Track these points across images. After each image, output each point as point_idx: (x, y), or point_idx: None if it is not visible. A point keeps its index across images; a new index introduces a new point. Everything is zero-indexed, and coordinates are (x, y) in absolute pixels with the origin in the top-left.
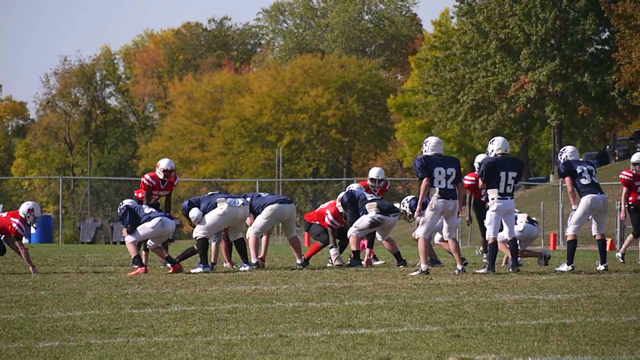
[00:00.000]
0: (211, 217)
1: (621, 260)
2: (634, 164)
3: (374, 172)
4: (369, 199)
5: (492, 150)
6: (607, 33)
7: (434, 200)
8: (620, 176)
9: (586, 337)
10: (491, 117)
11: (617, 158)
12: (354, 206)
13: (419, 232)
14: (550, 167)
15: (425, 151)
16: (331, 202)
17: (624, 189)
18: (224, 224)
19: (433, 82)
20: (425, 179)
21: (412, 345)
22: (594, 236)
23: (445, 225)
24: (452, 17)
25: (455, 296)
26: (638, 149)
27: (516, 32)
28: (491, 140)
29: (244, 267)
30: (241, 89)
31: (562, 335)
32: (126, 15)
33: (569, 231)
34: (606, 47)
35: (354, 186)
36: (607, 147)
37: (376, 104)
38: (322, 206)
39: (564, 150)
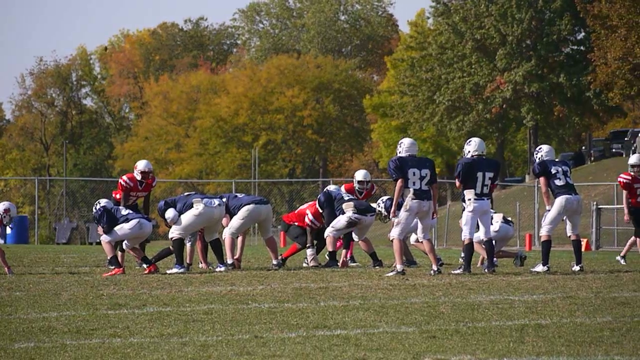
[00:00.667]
0: (187, 217)
1: (622, 262)
2: (632, 165)
3: (360, 175)
4: (346, 198)
5: (469, 152)
6: (583, 33)
7: (409, 201)
8: (619, 179)
9: (562, 337)
10: (467, 117)
11: (592, 159)
12: (331, 206)
13: (394, 233)
14: (526, 167)
15: (400, 152)
16: (311, 202)
17: (625, 192)
18: (200, 224)
19: (409, 83)
20: (399, 180)
21: (387, 346)
22: (569, 237)
23: (420, 226)
24: (428, 18)
25: (431, 297)
26: (614, 150)
27: (492, 33)
28: (468, 141)
29: (220, 267)
30: (217, 89)
31: (537, 336)
32: (102, 16)
33: (543, 232)
34: (582, 48)
35: (331, 187)
36: (583, 147)
37: (352, 105)
38: (301, 207)
39: (540, 149)
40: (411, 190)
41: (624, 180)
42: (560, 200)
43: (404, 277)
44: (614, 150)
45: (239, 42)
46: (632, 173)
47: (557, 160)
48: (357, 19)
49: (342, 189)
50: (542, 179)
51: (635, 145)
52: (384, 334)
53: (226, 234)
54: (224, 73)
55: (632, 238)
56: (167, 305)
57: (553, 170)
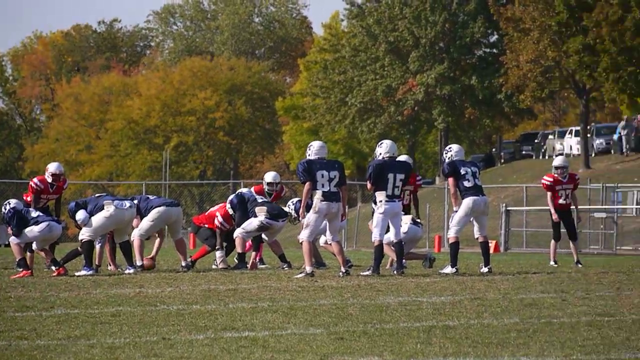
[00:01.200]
0: (97, 219)
1: (555, 265)
2: (557, 167)
3: (269, 177)
4: (259, 201)
5: (380, 154)
6: (496, 36)
7: (317, 202)
8: (542, 181)
9: (469, 339)
10: (379, 119)
11: (502, 161)
12: (243, 208)
13: (303, 234)
14: (437, 169)
15: (309, 155)
16: (221, 204)
17: (549, 194)
18: (110, 226)
19: (321, 85)
20: (307, 183)
21: (295, 348)
22: (477, 238)
23: (328, 227)
24: (342, 20)
25: (340, 299)
26: (524, 152)
27: (405, 35)
28: (379, 143)
29: (129, 269)
30: (129, 91)
31: (445, 338)
32: (15, 18)
33: (451, 233)
34: (494, 51)
35: (244, 190)
36: (493, 149)
37: (264, 107)
38: (211, 209)
39: (449, 149)
40: (320, 192)
41: (547, 182)
42: (467, 202)
43: (313, 279)
44: (524, 152)
45: (152, 44)
46: (555, 175)
47: (466, 161)
48: (271, 21)
49: (252, 190)
50: (450, 180)
51: (545, 147)
52: (292, 335)
53: (135, 236)
54: (136, 75)
55: (553, 242)
56: (75, 308)
57: (462, 171)
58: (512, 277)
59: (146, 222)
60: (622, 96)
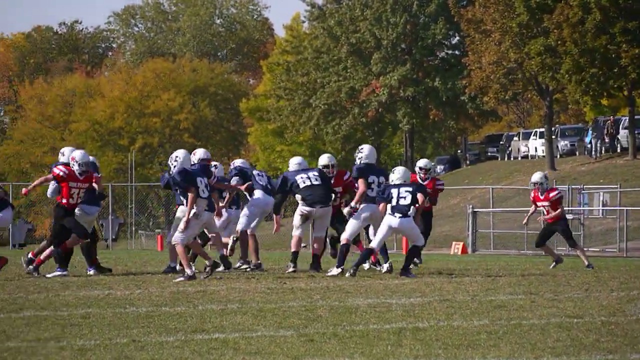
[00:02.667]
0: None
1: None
2: (534, 183)
3: (324, 159)
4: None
5: (360, 158)
6: (458, 38)
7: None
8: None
9: (439, 341)
10: (343, 121)
11: (468, 162)
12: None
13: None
14: None
15: (361, 159)
16: None
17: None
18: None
19: (285, 87)
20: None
21: (266, 350)
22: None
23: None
24: (304, 22)
25: (309, 300)
26: (489, 154)
27: (367, 37)
28: (360, 148)
29: (89, 271)
30: (93, 92)
31: (415, 339)
32: None
33: (344, 236)
34: (457, 52)
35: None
36: (459, 151)
37: (228, 108)
38: None
39: (361, 149)
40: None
41: (531, 197)
42: (366, 213)
43: (282, 280)
44: (489, 153)
45: (114, 45)
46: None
47: (376, 167)
48: (232, 23)
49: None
50: (361, 181)
51: (510, 149)
52: (262, 337)
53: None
54: (99, 76)
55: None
56: (45, 310)
57: (370, 179)
58: (481, 278)
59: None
60: (585, 98)
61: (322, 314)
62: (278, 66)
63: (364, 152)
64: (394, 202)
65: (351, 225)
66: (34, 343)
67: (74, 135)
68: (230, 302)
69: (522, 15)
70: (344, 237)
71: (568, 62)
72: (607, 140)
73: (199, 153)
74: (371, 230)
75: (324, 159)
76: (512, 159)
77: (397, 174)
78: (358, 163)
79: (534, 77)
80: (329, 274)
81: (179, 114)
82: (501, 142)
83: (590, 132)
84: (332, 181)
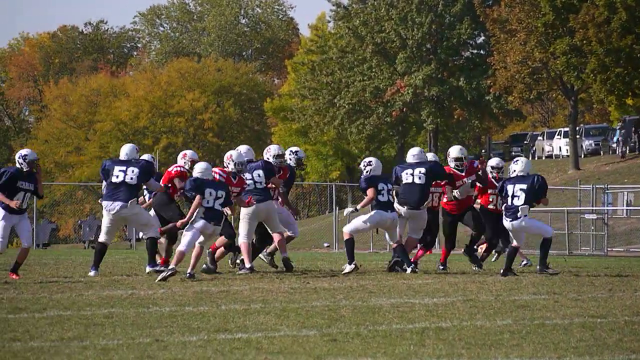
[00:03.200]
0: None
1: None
2: (492, 167)
3: (455, 151)
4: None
5: (369, 172)
6: (483, 37)
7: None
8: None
9: (462, 340)
10: (367, 121)
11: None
12: None
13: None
14: None
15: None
16: None
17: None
18: None
19: (309, 86)
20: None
21: (289, 350)
22: (392, 245)
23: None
24: (329, 22)
25: (332, 300)
26: (513, 153)
27: (392, 37)
28: (368, 162)
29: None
30: (117, 92)
31: (438, 339)
32: (1, 19)
33: (346, 230)
34: (482, 52)
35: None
36: (483, 150)
37: (253, 108)
38: None
39: (370, 163)
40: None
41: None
42: (375, 216)
43: (305, 280)
44: (513, 153)
45: (139, 45)
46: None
47: (383, 176)
48: (257, 23)
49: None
50: (371, 190)
51: (534, 148)
52: (285, 337)
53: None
54: (124, 76)
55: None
56: (68, 309)
57: (380, 187)
58: (504, 278)
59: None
60: (610, 97)
61: (345, 314)
62: (303, 66)
63: (372, 166)
64: (508, 201)
65: (355, 222)
66: (57, 343)
67: (98, 135)
68: (254, 302)
69: (547, 15)
70: (346, 230)
71: (593, 62)
72: (635, 139)
73: (273, 149)
74: (387, 235)
75: (455, 151)
76: (536, 158)
77: (519, 166)
78: (366, 174)
79: (558, 77)
80: (344, 271)
81: (204, 113)
82: (525, 142)
83: (618, 131)
84: (464, 172)
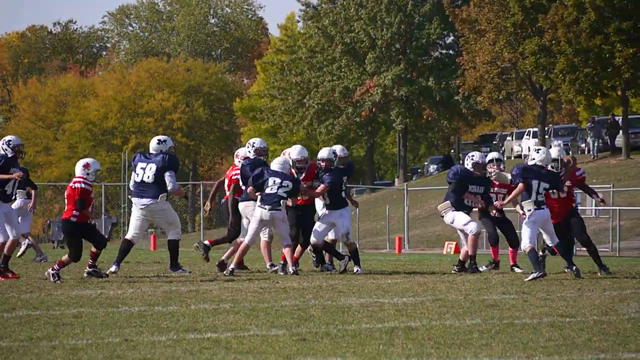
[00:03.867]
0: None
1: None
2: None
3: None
4: None
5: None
6: (452, 38)
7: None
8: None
9: (431, 340)
10: (337, 121)
11: (462, 162)
12: None
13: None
14: (395, 170)
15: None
16: None
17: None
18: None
19: (279, 86)
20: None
21: (258, 349)
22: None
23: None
24: (298, 21)
25: (302, 300)
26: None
27: (362, 37)
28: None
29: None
30: (86, 92)
31: (407, 339)
32: None
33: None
34: (451, 52)
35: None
36: (452, 150)
37: (222, 108)
38: None
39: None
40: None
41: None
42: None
43: (274, 280)
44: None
45: (108, 45)
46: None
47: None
48: (227, 22)
49: None
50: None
51: (503, 148)
52: (254, 337)
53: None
54: (93, 76)
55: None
56: (37, 309)
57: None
58: (473, 278)
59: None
60: (579, 97)
61: (314, 313)
62: (272, 66)
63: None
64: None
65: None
66: (26, 342)
67: (67, 135)
68: (223, 302)
69: (516, 15)
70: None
71: (562, 62)
72: (607, 139)
73: (295, 150)
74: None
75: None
76: (505, 158)
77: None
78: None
79: (527, 77)
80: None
81: (173, 113)
82: (494, 142)
83: (588, 131)
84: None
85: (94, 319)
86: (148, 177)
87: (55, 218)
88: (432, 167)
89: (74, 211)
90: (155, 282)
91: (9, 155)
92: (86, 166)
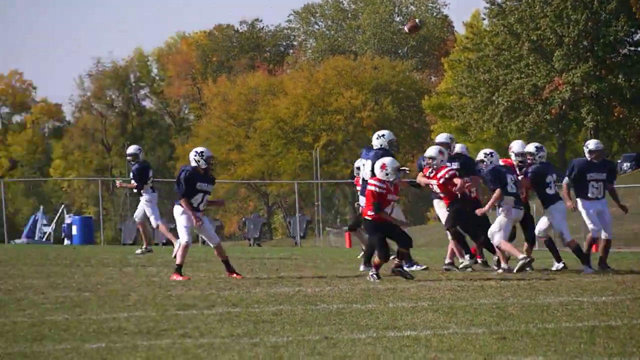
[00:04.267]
0: None
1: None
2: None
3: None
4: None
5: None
6: (639, 35)
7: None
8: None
9: (633, 339)
10: (527, 118)
11: None
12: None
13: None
14: None
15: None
16: None
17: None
18: None
19: (467, 84)
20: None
21: (458, 347)
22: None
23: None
24: (483, 19)
25: (500, 298)
26: None
27: (548, 34)
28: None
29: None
30: (275, 90)
31: (608, 338)
32: (158, 18)
33: (568, 238)
34: (639, 49)
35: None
36: None
37: (411, 106)
38: None
39: (539, 149)
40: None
41: None
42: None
43: (472, 277)
44: None
45: (295, 43)
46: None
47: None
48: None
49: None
50: (565, 185)
51: None
52: (454, 335)
53: None
54: (281, 74)
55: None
56: (236, 306)
57: (547, 180)
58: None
59: None
60: None
61: (513, 312)
62: (459, 63)
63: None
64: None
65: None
66: (227, 339)
67: (258, 133)
68: (421, 300)
69: None
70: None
71: None
72: None
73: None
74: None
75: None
76: None
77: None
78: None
79: None
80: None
81: (362, 111)
82: None
83: None
84: None
85: (293, 317)
86: (366, 174)
87: (251, 216)
88: (625, 165)
89: (369, 211)
90: (351, 280)
91: (202, 167)
92: (383, 167)
